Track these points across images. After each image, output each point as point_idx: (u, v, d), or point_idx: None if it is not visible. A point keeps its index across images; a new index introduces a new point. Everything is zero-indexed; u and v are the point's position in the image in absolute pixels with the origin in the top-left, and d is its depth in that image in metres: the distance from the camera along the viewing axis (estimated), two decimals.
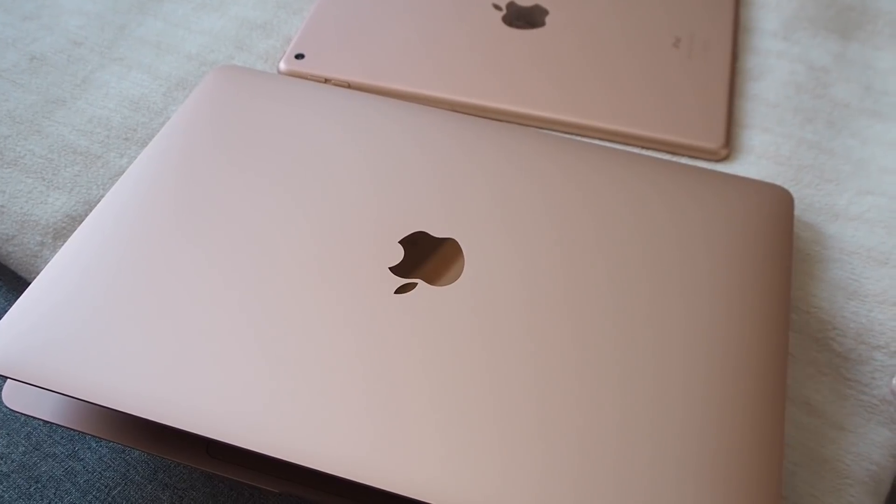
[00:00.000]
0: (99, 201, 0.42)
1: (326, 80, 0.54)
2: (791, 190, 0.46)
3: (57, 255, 0.39)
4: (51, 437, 0.43)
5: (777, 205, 0.44)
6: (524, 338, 0.36)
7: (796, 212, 0.46)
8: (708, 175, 0.46)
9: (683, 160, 0.51)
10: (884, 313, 0.44)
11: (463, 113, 0.51)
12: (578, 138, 0.51)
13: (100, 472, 0.42)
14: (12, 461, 0.42)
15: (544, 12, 0.58)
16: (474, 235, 0.40)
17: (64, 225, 0.47)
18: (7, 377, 0.35)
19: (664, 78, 0.54)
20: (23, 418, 0.43)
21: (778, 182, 0.48)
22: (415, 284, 0.38)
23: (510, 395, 0.34)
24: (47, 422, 0.37)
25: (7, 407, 0.38)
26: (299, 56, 0.55)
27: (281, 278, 0.38)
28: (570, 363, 0.36)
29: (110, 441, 0.37)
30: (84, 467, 0.42)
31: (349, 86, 0.54)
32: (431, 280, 0.38)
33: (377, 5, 0.59)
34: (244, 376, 0.35)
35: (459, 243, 0.40)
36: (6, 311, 0.37)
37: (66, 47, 0.57)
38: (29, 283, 0.38)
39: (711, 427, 0.34)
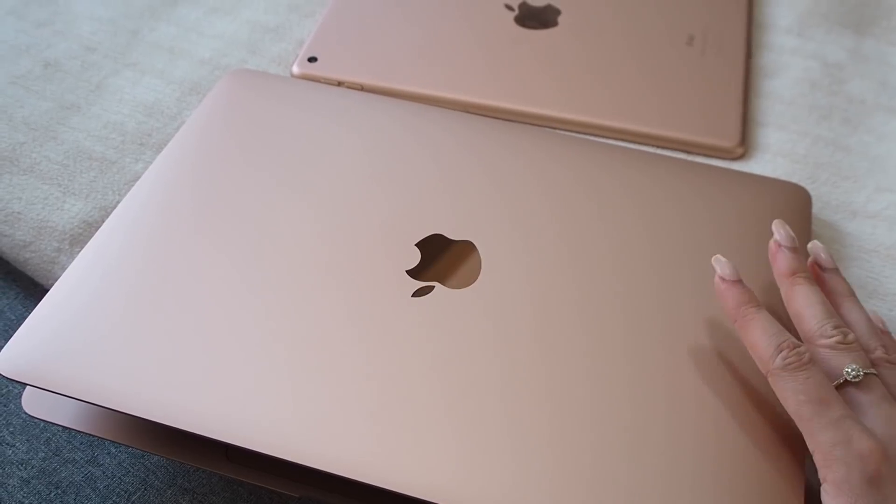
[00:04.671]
0: (115, 207, 0.42)
1: (340, 83, 0.54)
2: (808, 188, 0.45)
3: (74, 261, 0.39)
4: (70, 442, 0.43)
5: (794, 203, 0.44)
6: (541, 340, 0.36)
7: (814, 210, 0.45)
8: (724, 174, 0.45)
9: (699, 159, 0.50)
10: None
11: (477, 114, 0.51)
12: (593, 138, 0.51)
13: (119, 478, 0.42)
14: (32, 467, 0.42)
15: (557, 12, 0.58)
16: (491, 237, 0.40)
17: (80, 231, 0.47)
18: (27, 384, 0.35)
19: (678, 76, 0.54)
20: (42, 424, 0.43)
21: (794, 180, 0.47)
22: (432, 287, 0.38)
23: (528, 398, 0.34)
24: (67, 428, 0.38)
25: (27, 413, 0.38)
26: (312, 59, 0.55)
27: (299, 283, 0.38)
28: (587, 366, 0.35)
29: (130, 446, 0.37)
30: (104, 473, 0.42)
31: (363, 88, 0.54)
32: (448, 283, 0.38)
33: (389, 8, 0.59)
34: (263, 381, 0.35)
35: (476, 245, 0.40)
36: (24, 318, 0.37)
37: (80, 53, 0.57)
38: (46, 290, 0.38)
39: (729, 428, 0.34)
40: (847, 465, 0.29)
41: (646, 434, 0.33)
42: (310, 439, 0.33)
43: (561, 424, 0.33)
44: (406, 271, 0.39)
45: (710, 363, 0.36)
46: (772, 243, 0.37)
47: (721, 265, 0.36)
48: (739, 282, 0.35)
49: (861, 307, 0.36)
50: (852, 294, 0.37)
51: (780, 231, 0.37)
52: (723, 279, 0.35)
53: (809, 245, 0.38)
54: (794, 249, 0.37)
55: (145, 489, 0.41)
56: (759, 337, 0.33)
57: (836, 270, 0.38)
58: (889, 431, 0.30)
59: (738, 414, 0.34)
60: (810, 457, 0.31)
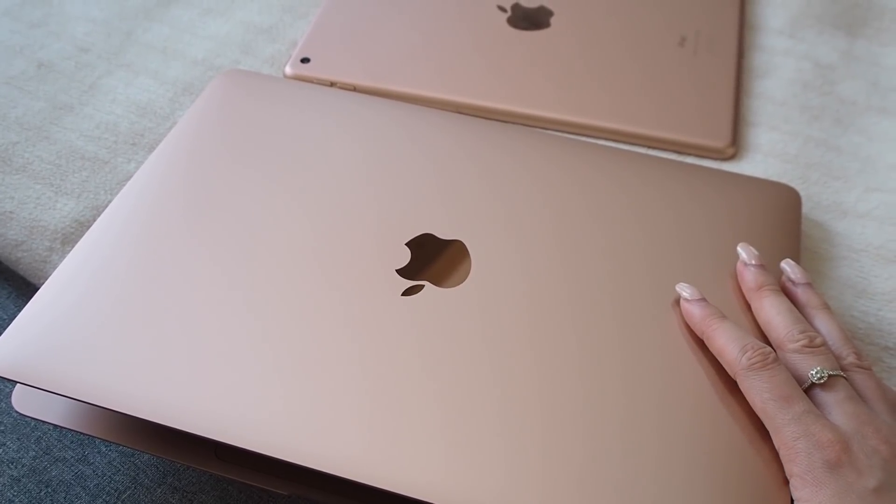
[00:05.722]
0: (107, 206, 0.42)
1: (332, 84, 0.54)
2: (798, 188, 0.46)
3: (65, 260, 0.39)
4: (60, 441, 0.43)
5: (785, 203, 0.44)
6: (531, 339, 0.36)
7: (804, 210, 0.45)
8: (715, 174, 0.46)
9: (690, 159, 0.51)
10: (893, 312, 0.43)
11: (469, 115, 0.51)
12: (584, 139, 0.51)
13: (109, 476, 0.42)
14: (22, 465, 0.42)
15: (549, 13, 0.58)
16: (481, 237, 0.40)
17: (72, 230, 0.47)
18: (17, 381, 0.35)
19: (670, 77, 0.54)
20: (33, 423, 0.43)
21: (785, 180, 0.47)
22: (422, 286, 0.38)
23: (517, 396, 0.34)
24: (57, 426, 0.38)
25: (17, 411, 0.38)
26: (305, 60, 0.55)
27: (289, 282, 0.38)
28: (578, 364, 0.36)
29: (120, 445, 0.37)
30: (94, 471, 0.42)
31: (355, 89, 0.54)
32: (438, 282, 0.38)
33: (382, 8, 0.59)
34: (253, 379, 0.35)
35: (466, 245, 0.40)
36: (15, 317, 0.37)
37: (74, 54, 0.58)
38: (38, 289, 0.38)
39: (718, 428, 0.34)
40: (809, 456, 0.30)
41: (637, 431, 0.33)
42: (299, 437, 0.33)
43: (552, 422, 0.34)
44: (396, 270, 0.39)
45: (701, 361, 0.36)
46: (738, 264, 0.39)
47: (683, 289, 0.37)
48: (703, 299, 0.37)
49: (834, 318, 0.37)
50: (826, 306, 0.38)
51: (744, 251, 0.39)
52: (686, 300, 0.37)
53: (782, 263, 0.39)
54: (759, 266, 0.38)
55: (135, 488, 0.41)
56: (725, 342, 0.34)
57: (809, 285, 0.38)
58: (851, 426, 0.31)
59: (729, 411, 0.34)
60: None
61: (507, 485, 0.32)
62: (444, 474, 0.32)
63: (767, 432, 0.33)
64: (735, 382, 0.34)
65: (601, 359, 0.36)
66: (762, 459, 0.33)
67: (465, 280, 0.39)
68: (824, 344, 0.35)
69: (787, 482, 0.32)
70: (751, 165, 0.50)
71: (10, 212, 0.48)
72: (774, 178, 0.48)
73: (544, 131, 0.52)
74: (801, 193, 0.45)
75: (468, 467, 0.32)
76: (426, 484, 0.32)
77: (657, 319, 0.37)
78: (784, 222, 0.43)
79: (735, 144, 0.51)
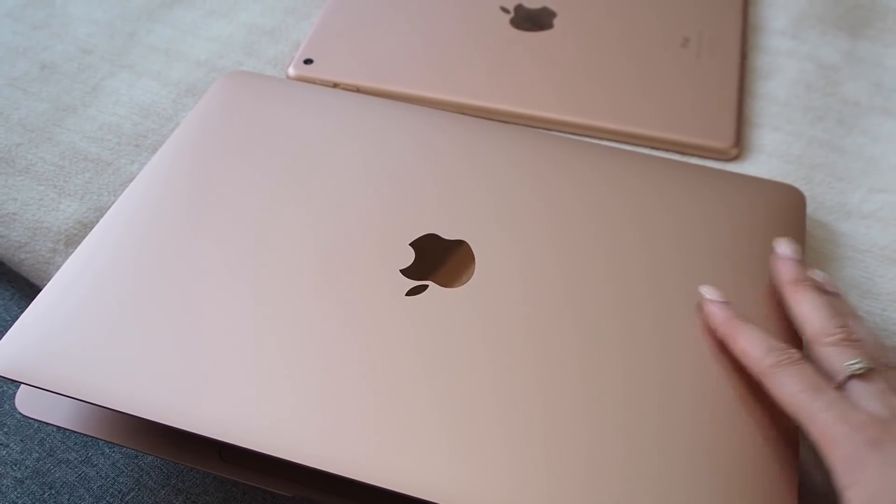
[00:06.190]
0: (110, 207, 0.42)
1: (335, 85, 0.54)
2: (802, 189, 0.45)
3: (68, 261, 0.39)
4: (64, 443, 0.43)
5: (789, 204, 0.44)
6: (535, 340, 0.36)
7: (808, 210, 0.45)
8: (719, 175, 0.46)
9: (694, 160, 0.50)
10: None
11: (472, 116, 0.51)
12: (588, 140, 0.51)
13: (113, 478, 0.42)
14: (26, 467, 0.42)
15: (552, 14, 0.58)
16: (485, 237, 0.40)
17: (75, 231, 0.47)
18: (20, 382, 0.35)
19: (673, 78, 0.54)
20: (36, 424, 0.43)
21: (789, 181, 0.47)
22: (426, 287, 0.38)
23: (522, 396, 0.34)
24: (61, 427, 0.38)
25: (21, 413, 0.38)
26: (308, 61, 0.55)
27: (293, 282, 0.38)
28: (581, 364, 0.35)
29: (123, 446, 0.37)
30: (97, 473, 0.42)
31: (358, 90, 0.54)
32: (443, 282, 0.38)
33: (385, 10, 0.59)
34: (257, 380, 0.35)
35: (470, 245, 0.40)
36: (19, 317, 0.37)
37: (77, 55, 0.58)
38: (41, 290, 0.38)
39: (723, 426, 0.34)
40: (849, 438, 0.29)
41: (639, 431, 0.33)
42: (303, 438, 0.33)
43: (555, 422, 0.33)
44: (400, 271, 0.39)
45: (703, 362, 0.36)
46: (775, 258, 0.38)
47: (708, 291, 0.37)
48: (726, 301, 0.36)
49: (866, 325, 0.36)
50: (857, 315, 0.37)
51: (786, 245, 0.39)
52: (710, 301, 0.37)
53: (814, 272, 0.39)
54: (799, 261, 0.38)
55: (139, 489, 0.41)
56: (749, 342, 0.34)
57: (839, 294, 0.38)
58: (888, 415, 0.30)
59: (732, 412, 0.34)
60: (803, 454, 0.31)
61: (511, 485, 0.32)
62: (448, 474, 0.32)
63: (775, 434, 0.33)
64: (741, 384, 0.34)
65: (606, 359, 0.36)
66: (769, 461, 0.33)
67: (469, 280, 0.39)
68: (861, 339, 0.34)
69: (795, 484, 0.32)
70: (754, 166, 0.50)
71: (14, 213, 0.48)
72: (778, 179, 0.48)
73: (548, 132, 0.52)
74: (806, 194, 0.45)
75: (473, 467, 0.32)
76: (431, 484, 0.32)
77: (662, 320, 0.37)
78: (788, 223, 0.43)
79: (738, 145, 0.51)
